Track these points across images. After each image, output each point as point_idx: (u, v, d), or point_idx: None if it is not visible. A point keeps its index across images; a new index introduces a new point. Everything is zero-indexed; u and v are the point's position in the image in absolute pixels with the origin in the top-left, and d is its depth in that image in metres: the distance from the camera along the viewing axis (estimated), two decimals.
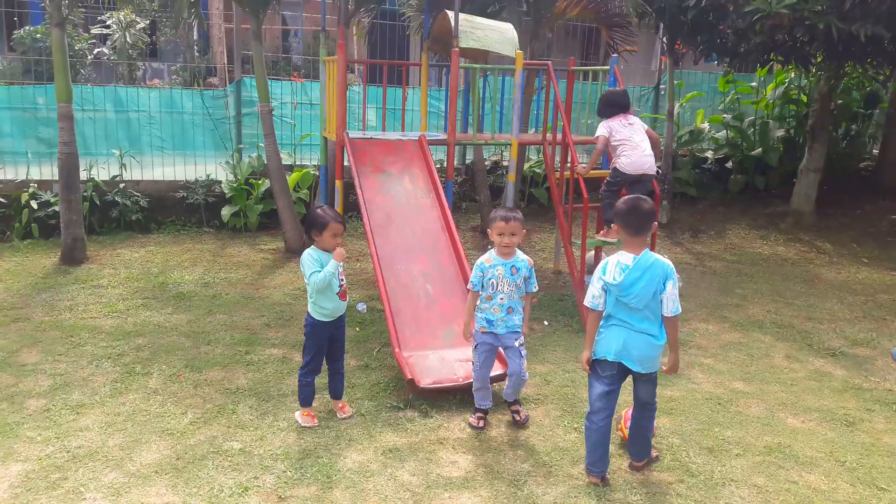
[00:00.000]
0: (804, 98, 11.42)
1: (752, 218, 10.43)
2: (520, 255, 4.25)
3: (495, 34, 6.74)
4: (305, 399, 4.29)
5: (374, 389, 4.75)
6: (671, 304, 3.52)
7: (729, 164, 11.44)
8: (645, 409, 3.80)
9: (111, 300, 6.37)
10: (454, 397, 4.60)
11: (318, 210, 4.19)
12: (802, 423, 4.52)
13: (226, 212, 8.42)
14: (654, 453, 3.97)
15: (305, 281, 4.15)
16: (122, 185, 8.27)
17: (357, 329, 5.91)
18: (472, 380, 4.58)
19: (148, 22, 12.52)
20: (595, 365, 3.72)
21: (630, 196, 3.76)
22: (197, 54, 13.81)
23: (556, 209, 7.01)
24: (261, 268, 7.55)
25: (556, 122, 7.04)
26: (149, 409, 4.37)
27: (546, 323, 6.30)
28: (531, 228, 9.36)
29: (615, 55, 7.56)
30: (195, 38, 13.70)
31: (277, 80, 9.63)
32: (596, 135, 6.08)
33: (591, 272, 4.20)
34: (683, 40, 10.08)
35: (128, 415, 4.29)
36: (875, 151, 11.98)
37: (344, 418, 4.33)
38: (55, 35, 7.02)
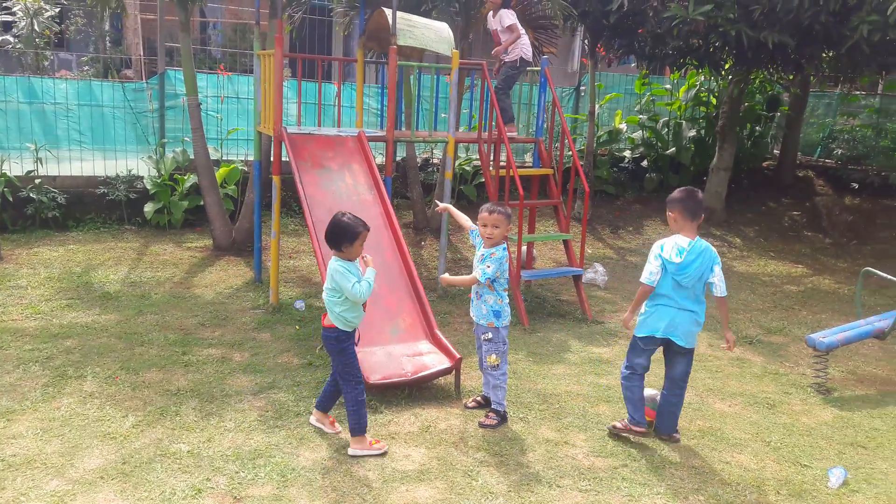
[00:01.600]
0: (713, 100, 12.06)
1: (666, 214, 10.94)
2: (498, 248, 4.30)
3: (432, 33, 6.81)
4: (365, 422, 3.96)
5: (321, 386, 4.70)
6: (721, 285, 3.98)
7: (645, 163, 11.93)
8: (676, 386, 4.19)
9: (33, 301, 6.07)
10: (403, 392, 4.65)
11: (345, 219, 3.92)
12: (729, 408, 4.84)
13: (149, 208, 8.13)
14: (676, 435, 4.28)
15: (328, 295, 3.89)
16: (37, 181, 7.84)
17: (297, 327, 5.88)
18: (420, 374, 4.67)
19: (57, 10, 11.87)
20: (638, 339, 4.14)
21: (685, 187, 4.12)
22: (109, 45, 13.22)
23: None
24: (189, 266, 7.35)
25: (490, 120, 7.18)
26: (86, 414, 4.21)
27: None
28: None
29: (544, 57, 7.77)
30: (107, 27, 13.10)
31: (202, 73, 9.35)
32: (510, 23, 6.97)
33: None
34: (604, 43, 10.46)
35: (64, 420, 4.12)
36: (776, 152, 12.78)
37: (335, 433, 4.12)
38: None
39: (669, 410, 4.23)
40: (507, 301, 4.35)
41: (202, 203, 7.99)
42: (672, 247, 3.98)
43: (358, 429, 3.93)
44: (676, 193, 4.07)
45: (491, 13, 7.28)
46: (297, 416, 4.32)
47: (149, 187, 8.20)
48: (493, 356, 4.34)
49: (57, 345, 5.19)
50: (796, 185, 11.99)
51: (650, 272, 4.01)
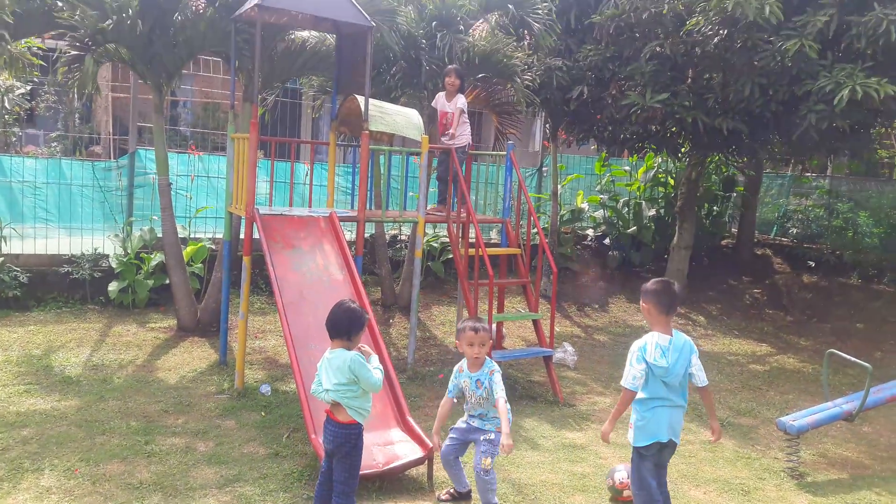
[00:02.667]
0: (671, 181, 12.48)
1: (630, 292, 11.10)
2: (487, 366, 4.19)
3: (402, 119, 7.00)
4: None
5: (288, 479, 4.62)
6: (701, 374, 3.91)
7: (607, 241, 12.19)
8: (664, 472, 4.03)
9: None
10: (374, 484, 4.54)
11: (354, 306, 3.80)
12: (704, 495, 4.83)
13: (113, 287, 7.99)
14: None
15: (344, 392, 3.73)
16: (0, 259, 7.69)
17: (262, 414, 5.76)
18: (391, 465, 4.59)
19: (28, 87, 11.90)
20: (641, 450, 3.89)
21: (659, 279, 4.01)
22: (79, 121, 13.23)
23: (462, 284, 7.21)
24: (152, 348, 7.20)
25: (459, 201, 7.32)
26: None
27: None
28: (430, 301, 9.52)
29: (511, 142, 8.01)
30: (77, 104, 13.14)
31: (172, 151, 9.40)
32: (464, 107, 7.32)
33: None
34: (565, 128, 10.83)
35: None
36: (735, 230, 13.19)
37: None
38: None
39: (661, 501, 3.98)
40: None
41: (168, 282, 7.90)
42: (654, 348, 3.81)
43: None
44: (651, 285, 3.94)
45: (444, 95, 7.47)
46: None
47: (114, 266, 8.08)
48: (489, 459, 4.15)
49: (13, 434, 4.99)
50: (755, 263, 12.33)
51: (633, 377, 3.81)
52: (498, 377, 4.15)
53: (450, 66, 7.46)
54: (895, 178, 12.99)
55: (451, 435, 4.40)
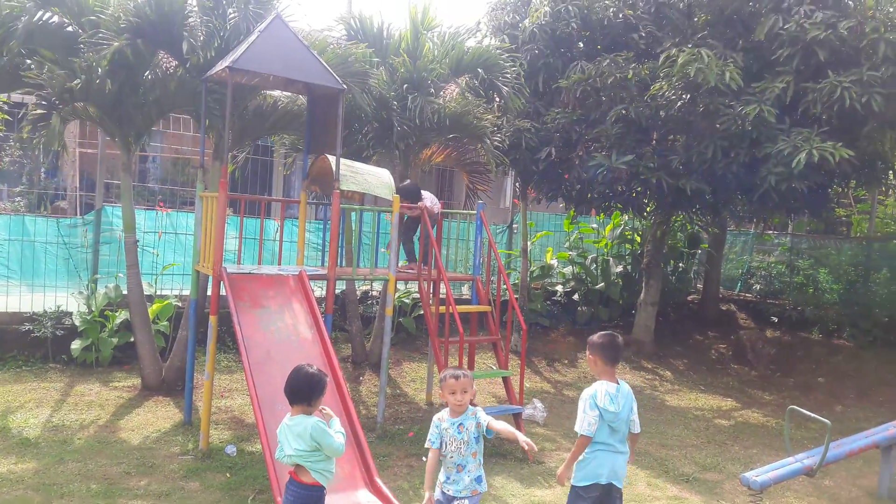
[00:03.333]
0: (638, 238, 12.74)
1: None
2: (469, 411, 4.06)
3: (373, 179, 7.10)
4: None
5: None
6: (637, 421, 4.15)
7: (576, 297, 12.32)
8: None
9: None
10: None
11: (314, 371, 3.76)
12: None
13: (76, 345, 7.84)
14: None
15: (308, 457, 3.69)
16: None
17: (227, 475, 5.64)
18: None
19: None
20: (579, 490, 4.07)
21: (604, 332, 4.24)
22: (44, 176, 13.13)
23: (433, 341, 7.22)
24: (115, 408, 7.04)
25: (430, 258, 7.39)
26: None
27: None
28: (401, 358, 9.48)
29: (481, 202, 8.15)
30: (42, 159, 13.04)
31: (140, 208, 9.37)
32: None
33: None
34: (535, 187, 11.06)
35: None
36: (700, 286, 13.43)
37: None
38: None
39: None
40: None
41: (132, 340, 7.77)
42: (604, 395, 3.99)
43: None
44: (597, 338, 4.18)
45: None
46: None
47: (77, 323, 7.94)
48: None
49: None
50: (720, 318, 12.54)
51: (588, 423, 3.96)
52: (483, 414, 4.05)
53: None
54: (853, 235, 13.39)
55: None
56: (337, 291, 10.09)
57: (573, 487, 4.12)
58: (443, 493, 4.01)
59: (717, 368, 10.77)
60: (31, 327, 7.83)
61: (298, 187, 13.19)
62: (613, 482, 4.07)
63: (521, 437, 3.94)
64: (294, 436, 3.71)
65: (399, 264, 7.54)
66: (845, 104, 7.64)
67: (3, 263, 8.60)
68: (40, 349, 7.90)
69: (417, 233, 8.17)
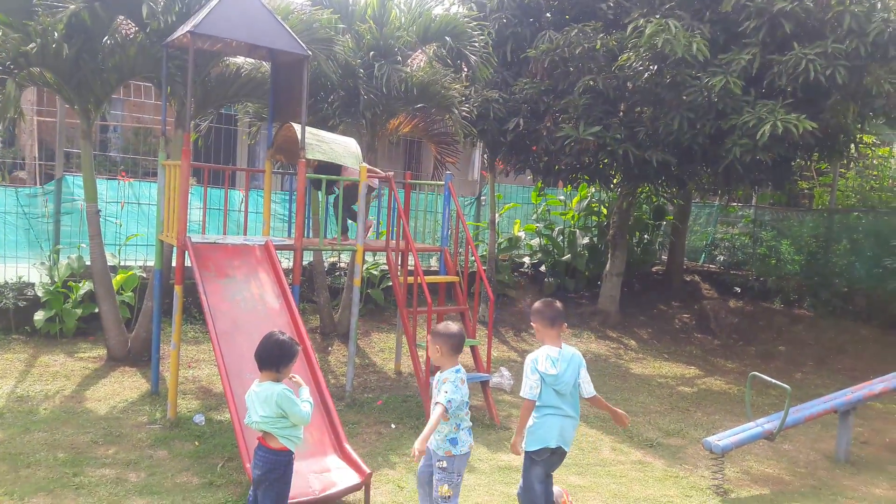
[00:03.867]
0: (604, 210, 12.87)
1: (565, 318, 11.32)
2: (448, 371, 4.02)
3: (340, 147, 7.04)
4: None
5: None
6: (588, 386, 4.18)
7: (543, 268, 12.44)
8: (549, 480, 4.29)
9: None
10: None
11: (284, 338, 3.76)
12: None
13: (39, 317, 7.71)
14: None
15: (273, 424, 3.70)
16: None
17: (196, 443, 5.63)
18: (327, 492, 4.55)
19: None
20: (532, 454, 4.16)
21: (544, 299, 4.39)
22: (1, 146, 12.77)
23: (401, 312, 7.25)
24: (81, 378, 6.97)
25: (398, 229, 7.39)
26: None
27: (393, 426, 6.39)
28: (369, 328, 9.51)
29: (449, 172, 8.15)
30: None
31: (101, 178, 9.18)
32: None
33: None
34: (503, 158, 11.07)
35: None
36: (664, 258, 13.64)
37: None
38: None
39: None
40: (467, 428, 4.06)
41: (97, 311, 7.67)
42: (545, 359, 4.07)
43: None
44: (536, 304, 4.32)
45: None
46: None
47: (40, 294, 7.81)
48: (446, 486, 3.98)
49: None
50: (684, 288, 12.77)
51: (530, 386, 4.07)
52: (450, 382, 3.96)
53: None
54: (815, 208, 13.68)
55: (425, 455, 4.13)
56: (304, 263, 10.05)
57: (526, 453, 4.19)
58: (428, 445, 4.01)
59: (680, 337, 10.99)
60: None
61: (263, 157, 13.04)
62: (562, 446, 4.16)
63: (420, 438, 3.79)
64: (260, 402, 3.73)
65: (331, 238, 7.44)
66: (810, 76, 7.75)
67: None
68: (2, 320, 7.76)
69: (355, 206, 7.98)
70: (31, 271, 8.17)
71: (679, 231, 13.06)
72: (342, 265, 10.41)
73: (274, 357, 3.74)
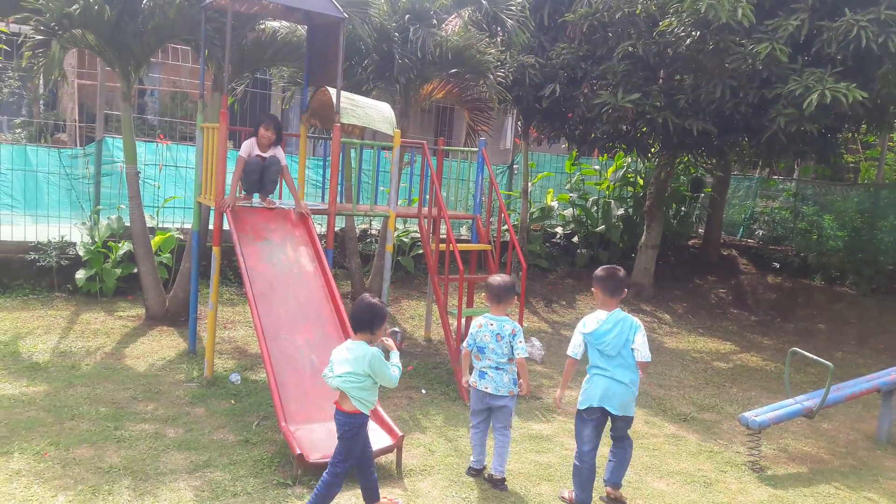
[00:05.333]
0: (640, 181, 12.66)
1: None
2: (506, 321, 4.66)
3: (374, 112, 6.99)
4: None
5: (258, 466, 4.63)
6: (643, 350, 4.29)
7: (575, 239, 12.33)
8: (622, 442, 4.51)
9: None
10: None
11: (376, 301, 3.92)
12: (667, 486, 4.93)
13: (80, 275, 7.88)
14: (619, 491, 4.59)
15: (352, 381, 3.82)
16: None
17: (232, 402, 5.74)
18: None
19: None
20: (581, 412, 4.42)
21: (608, 266, 4.56)
22: (43, 108, 12.98)
23: (432, 279, 7.26)
24: (121, 336, 7.12)
25: (430, 196, 7.36)
26: (13, 493, 3.99)
27: (423, 391, 6.44)
28: (399, 296, 9.55)
29: (482, 139, 8.06)
30: (42, 90, 12.89)
31: (140, 140, 9.27)
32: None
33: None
34: (537, 126, 10.92)
35: None
36: (701, 231, 13.42)
37: None
38: None
39: (620, 464, 4.54)
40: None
41: (135, 271, 7.82)
42: (591, 321, 4.36)
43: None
44: (599, 271, 4.47)
45: (254, 142, 6.39)
46: (233, 496, 4.20)
47: (81, 254, 7.97)
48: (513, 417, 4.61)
49: None
50: (721, 263, 12.57)
51: (573, 345, 4.42)
52: (519, 330, 4.65)
53: (269, 115, 7.03)
54: (860, 182, 13.30)
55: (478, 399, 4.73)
56: (336, 229, 10.11)
57: (577, 411, 4.46)
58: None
59: (716, 312, 10.84)
60: (37, 256, 7.87)
61: (296, 122, 13.06)
62: (606, 406, 4.30)
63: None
64: (350, 360, 3.84)
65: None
66: (861, 44, 7.45)
67: (7, 193, 8.59)
68: (46, 278, 7.95)
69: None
70: (72, 231, 8.34)
71: (717, 204, 12.82)
72: (373, 232, 10.44)
73: (367, 319, 3.89)
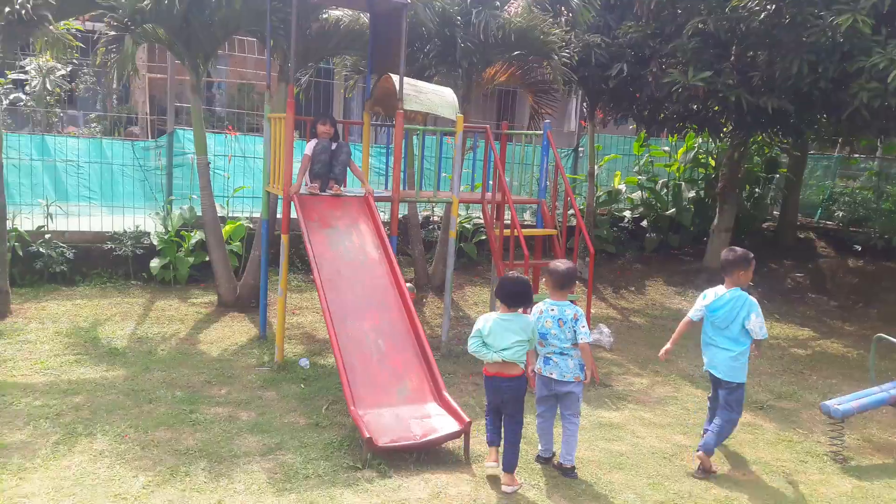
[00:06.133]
0: (712, 162, 12.24)
1: (668, 275, 10.96)
2: (569, 306, 4.67)
3: (437, 98, 6.95)
4: None
5: (329, 449, 4.69)
6: (757, 329, 4.69)
7: (644, 223, 12.03)
8: (721, 410, 4.81)
9: (41, 356, 6.05)
10: (411, 456, 4.57)
11: (523, 276, 4.49)
12: (744, 476, 4.77)
13: (155, 264, 8.15)
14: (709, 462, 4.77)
15: (523, 348, 4.34)
16: (47, 236, 7.90)
17: (301, 386, 5.84)
18: (428, 437, 4.62)
19: (68, 69, 12.14)
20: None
21: (733, 248, 4.94)
22: (116, 102, 13.47)
23: (496, 265, 7.19)
24: (194, 322, 7.34)
25: (495, 181, 7.28)
26: (97, 473, 4.16)
27: None
28: (462, 282, 9.53)
29: (547, 121, 7.92)
30: (115, 85, 13.38)
31: (209, 132, 9.51)
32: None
33: None
34: (603, 107, 10.67)
35: (75, 479, 4.08)
36: (776, 213, 12.91)
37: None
38: None
39: (712, 431, 4.77)
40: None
41: (207, 259, 8.03)
42: (711, 294, 4.84)
43: (515, 466, 4.36)
44: (725, 253, 4.93)
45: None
46: (305, 478, 4.26)
47: (155, 243, 8.24)
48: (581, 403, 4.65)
49: (66, 401, 5.16)
50: (798, 246, 12.06)
51: (694, 309, 4.94)
52: (581, 314, 4.65)
53: (323, 114, 6.96)
54: None
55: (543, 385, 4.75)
56: (399, 216, 10.15)
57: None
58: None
59: (793, 298, 10.42)
60: (113, 246, 8.18)
61: (357, 111, 13.15)
62: (712, 371, 4.85)
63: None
64: (513, 330, 4.28)
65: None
66: None
67: (85, 185, 8.94)
68: (122, 267, 8.25)
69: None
70: (146, 221, 8.63)
71: (793, 185, 12.28)
72: (435, 219, 10.43)
73: (522, 296, 4.37)
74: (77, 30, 9.29)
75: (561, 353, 4.51)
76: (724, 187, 10.79)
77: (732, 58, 8.88)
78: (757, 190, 12.59)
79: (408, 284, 7.69)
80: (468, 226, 10.32)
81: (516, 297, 4.35)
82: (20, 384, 5.43)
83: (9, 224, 7.31)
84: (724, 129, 10.21)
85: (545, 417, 4.70)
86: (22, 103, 12.05)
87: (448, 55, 8.29)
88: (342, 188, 6.53)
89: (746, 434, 5.50)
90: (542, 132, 7.55)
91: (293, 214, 6.21)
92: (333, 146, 6.41)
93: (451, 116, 6.99)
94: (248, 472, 4.28)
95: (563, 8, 8.99)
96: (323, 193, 6.41)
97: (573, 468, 4.55)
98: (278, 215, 7.10)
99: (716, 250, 10.79)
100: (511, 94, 16.03)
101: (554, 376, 4.52)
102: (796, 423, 5.85)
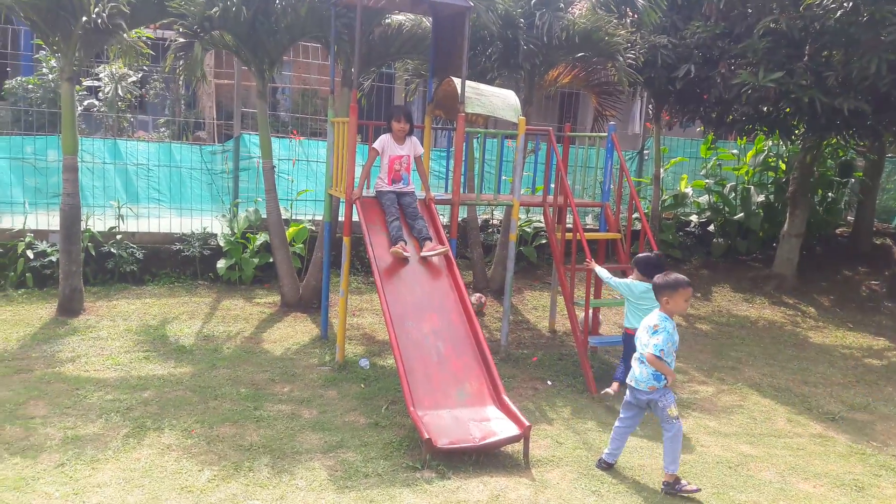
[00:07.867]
0: (783, 165, 11.84)
1: (736, 281, 10.64)
2: (662, 319, 4.46)
3: (499, 101, 6.93)
4: None
5: (388, 448, 4.72)
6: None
7: (711, 228, 11.72)
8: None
9: (113, 352, 6.28)
10: (470, 458, 4.57)
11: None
12: (814, 489, 4.58)
13: (221, 265, 8.38)
14: None
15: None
16: (118, 237, 8.23)
17: (362, 386, 5.89)
18: (487, 441, 4.60)
19: (139, 75, 12.62)
20: None
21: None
22: (184, 108, 13.91)
23: (558, 269, 7.12)
24: (258, 322, 7.50)
25: (557, 184, 7.21)
26: (165, 466, 4.29)
27: (549, 383, 6.33)
28: (522, 286, 9.46)
29: (612, 123, 7.80)
30: (182, 91, 13.82)
31: (274, 136, 9.73)
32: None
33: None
34: (670, 109, 10.46)
35: (144, 470, 4.21)
36: (850, 218, 12.40)
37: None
38: (65, 89, 7.09)
39: None
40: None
41: (271, 260, 8.21)
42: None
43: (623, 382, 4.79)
44: None
45: (390, 137, 6.36)
46: (365, 477, 4.29)
47: (222, 244, 8.47)
48: (672, 408, 4.38)
49: (136, 396, 5.34)
50: (873, 253, 11.56)
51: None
52: (663, 329, 4.38)
53: (398, 107, 6.75)
54: None
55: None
56: (459, 219, 10.15)
57: None
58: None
59: (867, 306, 9.98)
60: (181, 247, 8.45)
61: (420, 114, 13.22)
62: None
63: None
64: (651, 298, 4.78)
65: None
66: None
67: (155, 188, 9.25)
68: (190, 267, 8.51)
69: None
70: (213, 223, 8.88)
71: (869, 189, 11.77)
72: (494, 222, 10.40)
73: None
74: (148, 37, 9.65)
75: (639, 361, 4.45)
76: (794, 191, 10.42)
77: (806, 58, 8.57)
78: (830, 194, 12.10)
79: (475, 294, 7.69)
80: (528, 229, 10.24)
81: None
82: (93, 379, 5.65)
83: (83, 225, 7.62)
84: (796, 132, 9.86)
85: (623, 423, 4.60)
86: (95, 109, 12.57)
87: (510, 57, 8.26)
88: (430, 241, 6.08)
89: (816, 446, 5.29)
90: (606, 134, 7.44)
91: (355, 217, 6.28)
92: (404, 195, 6.35)
93: (512, 119, 6.96)
94: (309, 468, 4.34)
95: (628, 9, 8.86)
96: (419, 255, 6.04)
97: (672, 482, 4.36)
98: (340, 218, 7.20)
99: (785, 256, 10.45)
100: (573, 95, 15.88)
101: (631, 382, 4.48)
102: (870, 435, 5.59)
